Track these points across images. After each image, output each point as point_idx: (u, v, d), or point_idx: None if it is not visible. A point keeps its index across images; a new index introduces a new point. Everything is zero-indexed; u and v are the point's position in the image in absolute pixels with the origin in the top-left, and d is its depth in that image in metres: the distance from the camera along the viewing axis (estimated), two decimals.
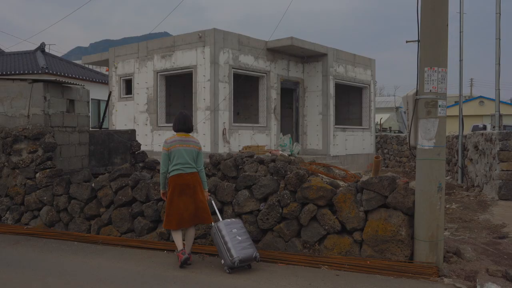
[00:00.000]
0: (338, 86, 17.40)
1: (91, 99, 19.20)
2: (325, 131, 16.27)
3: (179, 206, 5.31)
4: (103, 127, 10.16)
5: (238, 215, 5.92)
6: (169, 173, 5.42)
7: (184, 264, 5.26)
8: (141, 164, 8.19)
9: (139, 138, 12.32)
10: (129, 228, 6.51)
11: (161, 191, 5.62)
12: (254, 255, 5.10)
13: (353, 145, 17.85)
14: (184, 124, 5.59)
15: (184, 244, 5.41)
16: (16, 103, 7.62)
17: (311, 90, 16.69)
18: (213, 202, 5.75)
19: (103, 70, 25.75)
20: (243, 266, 5.10)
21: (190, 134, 5.67)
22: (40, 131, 7.33)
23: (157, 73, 15.03)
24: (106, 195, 6.72)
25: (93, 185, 6.83)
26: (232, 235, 5.15)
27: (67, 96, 7.90)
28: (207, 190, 5.63)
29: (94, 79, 23.27)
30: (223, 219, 5.57)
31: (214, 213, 5.67)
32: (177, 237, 5.37)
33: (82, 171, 7.17)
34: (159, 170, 6.96)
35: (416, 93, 5.19)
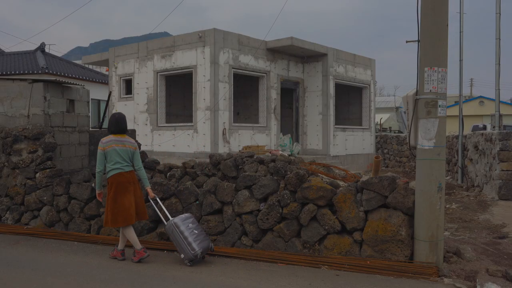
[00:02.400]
0: (338, 86, 17.40)
1: (91, 99, 19.23)
2: (325, 131, 16.28)
3: (124, 204, 5.53)
4: (103, 127, 10.16)
5: (238, 215, 5.92)
6: (107, 173, 5.63)
7: (143, 260, 5.51)
8: None
9: (139, 138, 12.34)
10: None
11: (97, 191, 5.80)
12: (210, 246, 5.56)
13: (353, 145, 17.85)
14: (118, 126, 5.77)
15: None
16: (16, 103, 7.62)
17: (311, 90, 16.69)
18: (158, 200, 5.99)
19: (103, 70, 25.76)
20: (203, 258, 5.49)
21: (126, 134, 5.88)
22: (40, 131, 7.33)
23: (157, 73, 15.03)
24: (106, 195, 6.71)
25: (93, 185, 6.82)
26: (190, 230, 5.48)
27: (67, 96, 7.89)
28: (150, 187, 5.89)
29: (94, 79, 23.27)
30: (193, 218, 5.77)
31: (160, 210, 5.97)
32: (132, 234, 5.59)
33: (82, 171, 7.17)
34: (159, 170, 6.98)
35: (416, 93, 5.19)
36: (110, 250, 6.01)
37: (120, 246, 5.72)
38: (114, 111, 16.26)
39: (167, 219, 5.76)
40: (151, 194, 5.82)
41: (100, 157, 5.61)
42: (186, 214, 5.77)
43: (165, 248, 6.01)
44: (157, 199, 5.99)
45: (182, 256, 5.39)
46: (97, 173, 5.66)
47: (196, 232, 5.51)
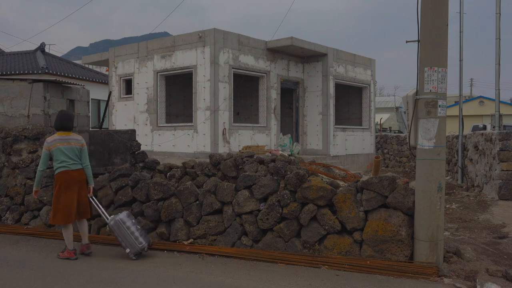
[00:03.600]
0: (338, 86, 17.39)
1: (91, 99, 19.20)
2: (325, 131, 16.27)
3: (66, 202, 5.65)
4: (103, 127, 10.16)
5: (238, 215, 5.92)
6: (55, 171, 5.75)
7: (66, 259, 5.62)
8: (141, 164, 8.18)
9: (139, 138, 12.32)
10: None
11: (35, 189, 5.90)
12: (150, 240, 5.92)
13: (353, 145, 17.84)
14: (62, 124, 5.86)
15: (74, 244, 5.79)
16: (16, 103, 7.62)
17: (311, 90, 16.69)
18: (95, 199, 6.14)
19: (103, 70, 25.74)
20: (146, 251, 5.76)
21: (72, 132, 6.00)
22: (40, 131, 7.33)
23: (157, 73, 15.03)
24: (106, 195, 6.72)
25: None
26: (134, 225, 5.78)
27: (67, 96, 7.89)
28: (92, 185, 6.06)
29: (94, 79, 23.26)
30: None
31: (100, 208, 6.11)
32: (68, 234, 5.69)
33: None
34: (159, 170, 6.98)
35: (416, 93, 5.19)
36: (111, 250, 6.01)
37: (70, 245, 5.71)
38: (114, 111, 16.28)
39: (106, 217, 5.97)
40: (91, 192, 6.02)
41: (44, 156, 5.74)
42: (127, 212, 6.00)
43: (165, 248, 6.02)
44: (93, 198, 6.14)
45: (128, 250, 5.63)
46: (38, 171, 5.79)
47: (139, 227, 5.83)
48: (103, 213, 6.03)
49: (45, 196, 7.09)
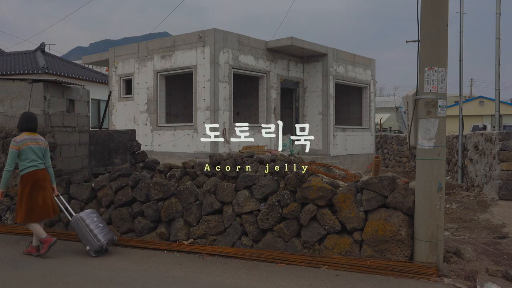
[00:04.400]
0: (338, 86, 17.39)
1: (91, 99, 19.19)
2: (325, 131, 16.27)
3: (38, 201, 5.72)
4: (103, 127, 10.16)
5: (238, 215, 5.92)
6: (22, 170, 5.78)
7: (52, 246, 5.71)
8: (141, 164, 8.19)
9: (139, 138, 12.33)
10: (129, 228, 6.52)
11: (1, 190, 5.86)
12: (114, 238, 6.01)
13: (353, 145, 17.84)
14: (28, 124, 5.95)
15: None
16: (16, 103, 7.62)
17: (311, 90, 16.69)
18: (61, 197, 6.24)
19: (103, 70, 25.74)
20: (106, 249, 5.87)
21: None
22: (40, 131, 7.32)
23: (157, 73, 15.03)
24: (106, 195, 6.72)
25: (93, 185, 6.83)
26: (95, 223, 5.88)
27: (67, 96, 7.89)
28: (55, 185, 6.15)
29: (94, 79, 23.26)
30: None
31: (65, 206, 6.24)
32: (37, 226, 5.78)
33: (82, 171, 7.17)
34: (159, 170, 6.98)
35: (416, 93, 5.19)
36: (110, 250, 6.01)
37: (43, 234, 5.78)
38: (114, 111, 16.28)
39: (71, 215, 6.08)
40: (56, 191, 6.11)
41: (13, 156, 5.74)
42: (91, 210, 6.17)
43: (165, 248, 6.02)
44: (60, 196, 6.25)
45: (88, 248, 5.74)
46: (7, 171, 5.74)
47: (101, 225, 5.93)
48: (67, 211, 6.17)
49: None
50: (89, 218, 5.90)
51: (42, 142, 5.96)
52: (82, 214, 5.96)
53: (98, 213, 6.32)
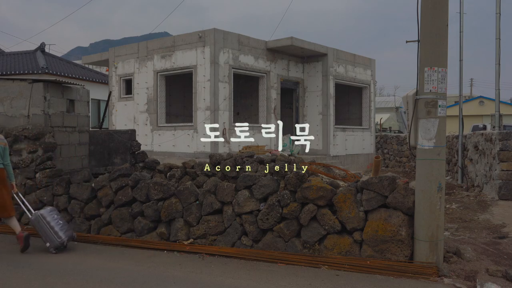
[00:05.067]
0: (338, 86, 17.40)
1: (91, 99, 19.19)
2: (325, 131, 16.27)
3: (4, 197, 5.98)
4: (103, 127, 10.16)
5: (238, 215, 5.92)
6: None
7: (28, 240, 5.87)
8: (141, 164, 8.20)
9: (139, 138, 12.33)
10: (129, 228, 6.52)
11: None
12: (73, 235, 6.16)
13: (353, 145, 17.85)
14: None
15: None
16: (16, 103, 7.62)
17: (311, 90, 16.69)
18: (20, 195, 6.37)
19: (103, 70, 25.74)
20: (65, 246, 5.98)
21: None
22: (40, 131, 7.33)
23: (157, 73, 15.03)
24: (106, 195, 6.72)
25: (93, 185, 6.83)
26: (55, 220, 6.01)
27: (67, 96, 7.89)
28: (14, 182, 6.30)
29: (94, 79, 23.26)
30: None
31: (24, 204, 6.40)
32: (13, 220, 6.01)
33: (82, 171, 7.17)
34: (159, 170, 6.99)
35: (416, 93, 5.19)
36: (110, 250, 6.01)
37: (17, 229, 6.00)
38: (114, 111, 16.28)
39: (31, 212, 6.21)
40: (15, 189, 6.31)
41: None
42: (51, 207, 6.30)
43: (165, 248, 6.02)
44: (19, 194, 6.45)
45: (48, 244, 5.86)
46: None
47: (61, 222, 6.06)
48: (27, 208, 6.27)
49: (45, 196, 7.09)
50: (50, 216, 6.02)
51: (2, 141, 6.16)
52: (42, 211, 6.08)
53: (58, 212, 6.40)
